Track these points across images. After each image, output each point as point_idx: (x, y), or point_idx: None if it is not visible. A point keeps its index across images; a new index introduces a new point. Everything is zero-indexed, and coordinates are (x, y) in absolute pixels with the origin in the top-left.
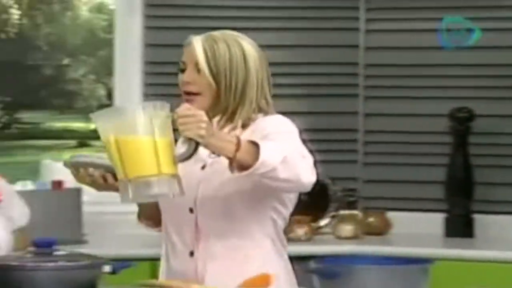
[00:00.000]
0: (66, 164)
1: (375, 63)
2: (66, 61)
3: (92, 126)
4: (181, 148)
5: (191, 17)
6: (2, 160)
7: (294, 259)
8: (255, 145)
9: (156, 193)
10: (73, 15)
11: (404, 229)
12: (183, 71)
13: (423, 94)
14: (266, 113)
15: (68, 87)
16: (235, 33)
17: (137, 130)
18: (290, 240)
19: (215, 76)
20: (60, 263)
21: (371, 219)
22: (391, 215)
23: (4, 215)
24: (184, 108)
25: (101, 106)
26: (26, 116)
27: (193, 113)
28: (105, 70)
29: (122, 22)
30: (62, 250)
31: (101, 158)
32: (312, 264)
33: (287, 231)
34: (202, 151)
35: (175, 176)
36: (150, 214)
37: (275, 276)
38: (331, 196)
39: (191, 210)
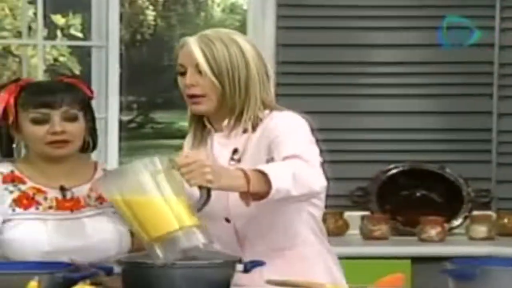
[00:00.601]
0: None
1: (510, 62)
2: None
3: None
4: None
5: (323, 17)
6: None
7: (427, 260)
8: (261, 172)
9: (186, 247)
10: (207, 15)
11: None
12: (182, 74)
13: None
14: (270, 108)
15: None
16: (227, 30)
17: (145, 191)
18: (422, 240)
19: (217, 76)
20: (195, 262)
21: (505, 220)
22: None
23: None
24: (183, 157)
25: None
26: (160, 115)
27: (193, 160)
28: None
29: (254, 22)
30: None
31: None
32: (448, 265)
33: (418, 232)
34: (223, 158)
35: (200, 227)
36: None
37: (330, 269)
38: (465, 197)
39: (227, 220)
